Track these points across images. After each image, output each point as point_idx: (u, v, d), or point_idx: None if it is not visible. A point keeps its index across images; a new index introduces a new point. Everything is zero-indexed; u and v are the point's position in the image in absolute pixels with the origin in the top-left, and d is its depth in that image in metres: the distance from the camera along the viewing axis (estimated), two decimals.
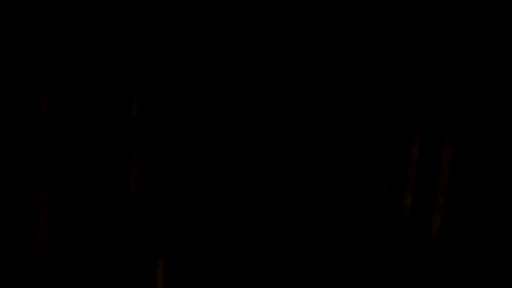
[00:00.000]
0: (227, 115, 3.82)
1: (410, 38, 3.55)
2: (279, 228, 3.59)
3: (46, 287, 2.33)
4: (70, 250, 2.37)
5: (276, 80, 4.29)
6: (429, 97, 3.01)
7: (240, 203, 3.93)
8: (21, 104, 2.05)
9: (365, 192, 3.94)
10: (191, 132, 2.96)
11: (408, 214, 3.00)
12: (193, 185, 3.15)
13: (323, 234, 3.39)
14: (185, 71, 2.81)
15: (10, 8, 1.95)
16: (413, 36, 3.51)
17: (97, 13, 2.22)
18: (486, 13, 2.60)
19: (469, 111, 2.53)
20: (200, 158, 3.25)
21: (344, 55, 4.45)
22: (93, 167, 2.34)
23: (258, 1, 3.66)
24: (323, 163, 4.37)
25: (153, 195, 2.58)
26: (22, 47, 2.02)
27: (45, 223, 2.20)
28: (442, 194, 2.59)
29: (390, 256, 2.92)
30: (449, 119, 2.67)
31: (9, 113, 2.04)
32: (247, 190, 4.13)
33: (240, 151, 4.12)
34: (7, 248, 2.21)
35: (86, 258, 2.43)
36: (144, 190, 2.60)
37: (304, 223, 3.66)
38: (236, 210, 3.80)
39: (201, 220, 3.19)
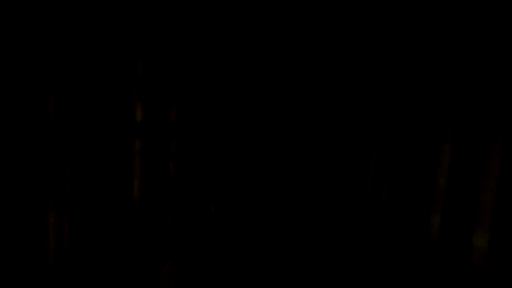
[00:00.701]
0: (228, 119, 3.95)
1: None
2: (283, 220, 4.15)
3: None
4: (79, 253, 2.42)
5: (282, 93, 4.85)
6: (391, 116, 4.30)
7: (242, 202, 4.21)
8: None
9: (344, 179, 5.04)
10: (193, 135, 3.08)
11: (369, 190, 4.69)
12: (195, 188, 3.26)
13: (324, 217, 4.34)
14: (188, 76, 2.91)
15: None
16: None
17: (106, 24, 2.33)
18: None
19: (400, 128, 4.01)
20: (202, 161, 3.38)
21: (338, 84, 5.38)
22: (98, 170, 2.41)
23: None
24: (325, 167, 5.34)
25: (157, 200, 2.64)
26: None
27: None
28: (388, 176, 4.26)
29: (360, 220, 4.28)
30: (393, 136, 4.10)
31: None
32: (252, 189, 4.47)
33: (243, 153, 4.35)
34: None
35: (95, 261, 2.49)
36: (147, 195, 2.65)
37: (305, 215, 4.43)
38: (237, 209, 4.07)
39: (204, 223, 3.32)
